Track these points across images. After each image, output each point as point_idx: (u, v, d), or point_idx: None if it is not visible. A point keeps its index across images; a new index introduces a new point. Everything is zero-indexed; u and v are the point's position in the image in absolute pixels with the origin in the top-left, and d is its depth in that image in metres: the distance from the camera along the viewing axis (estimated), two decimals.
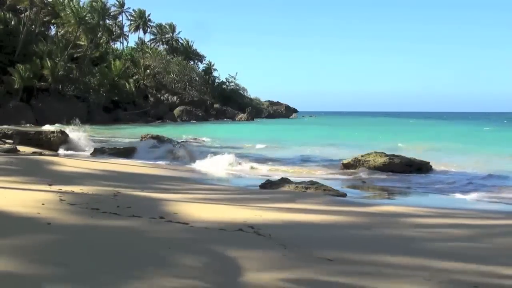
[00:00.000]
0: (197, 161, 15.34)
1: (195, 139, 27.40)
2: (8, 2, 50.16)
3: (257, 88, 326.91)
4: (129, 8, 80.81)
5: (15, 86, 44.76)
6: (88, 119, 48.51)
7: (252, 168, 14.58)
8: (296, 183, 10.70)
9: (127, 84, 54.09)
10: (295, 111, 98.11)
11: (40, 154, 15.71)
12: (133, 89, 54.68)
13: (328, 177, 12.87)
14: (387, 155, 14.25)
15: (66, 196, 7.50)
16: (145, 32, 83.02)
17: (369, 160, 14.05)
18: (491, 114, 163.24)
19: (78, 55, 53.15)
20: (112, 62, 55.36)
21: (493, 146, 22.53)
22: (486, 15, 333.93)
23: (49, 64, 46.57)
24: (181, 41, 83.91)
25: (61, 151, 17.45)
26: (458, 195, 10.34)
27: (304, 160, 17.33)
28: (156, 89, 65.69)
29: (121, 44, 79.64)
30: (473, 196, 10.27)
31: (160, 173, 12.97)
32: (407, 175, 13.11)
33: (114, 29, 76.09)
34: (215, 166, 14.58)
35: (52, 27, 58.57)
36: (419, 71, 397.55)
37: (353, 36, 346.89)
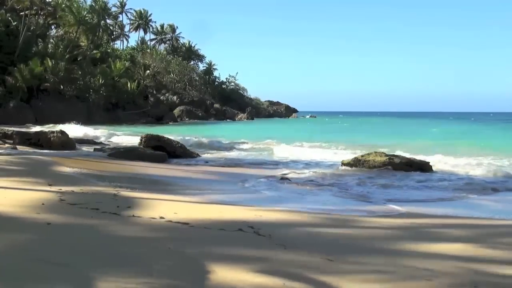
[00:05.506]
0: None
1: (196, 139, 27.35)
2: (8, 3, 50.16)
3: (257, 88, 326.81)
4: (131, 8, 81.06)
5: (16, 86, 44.78)
6: (88, 119, 48.64)
7: None
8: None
9: (128, 83, 54.05)
10: (295, 111, 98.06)
11: (40, 154, 15.71)
12: (135, 88, 54.62)
13: (328, 177, 12.85)
14: (387, 155, 14.27)
15: (66, 196, 7.50)
16: (145, 32, 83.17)
17: (369, 160, 14.07)
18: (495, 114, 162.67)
19: (79, 55, 53.15)
20: (112, 62, 55.32)
21: (496, 146, 22.46)
22: (485, 16, 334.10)
23: (49, 64, 46.58)
24: (182, 41, 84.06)
25: (61, 150, 17.43)
26: (457, 195, 10.33)
27: (304, 160, 17.34)
28: (156, 89, 65.69)
29: (122, 44, 79.81)
30: (473, 196, 10.26)
31: (160, 173, 12.97)
32: (407, 175, 13.08)
33: (114, 29, 76.18)
34: None
35: (52, 27, 58.61)
36: (420, 72, 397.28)
37: (354, 36, 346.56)
